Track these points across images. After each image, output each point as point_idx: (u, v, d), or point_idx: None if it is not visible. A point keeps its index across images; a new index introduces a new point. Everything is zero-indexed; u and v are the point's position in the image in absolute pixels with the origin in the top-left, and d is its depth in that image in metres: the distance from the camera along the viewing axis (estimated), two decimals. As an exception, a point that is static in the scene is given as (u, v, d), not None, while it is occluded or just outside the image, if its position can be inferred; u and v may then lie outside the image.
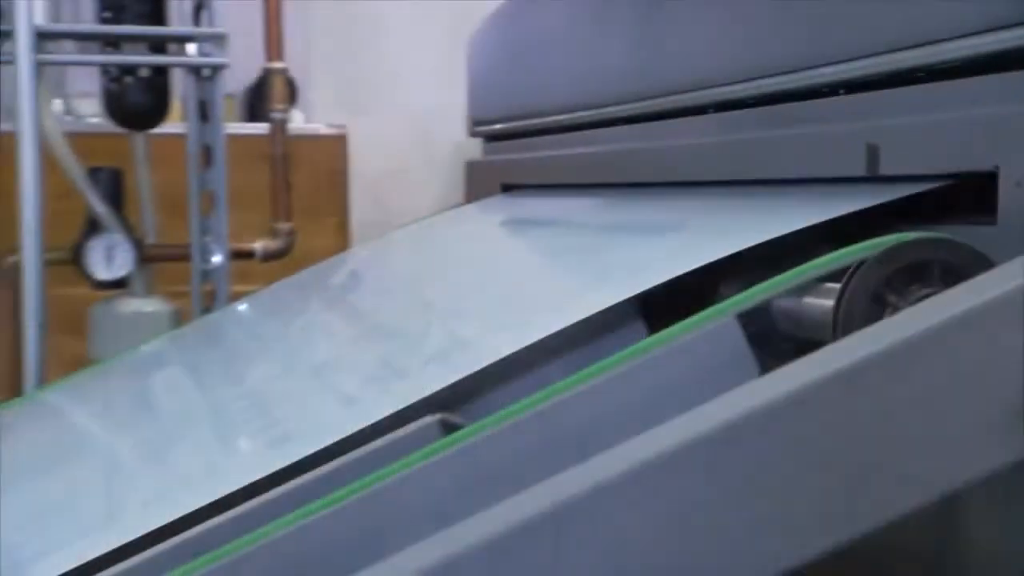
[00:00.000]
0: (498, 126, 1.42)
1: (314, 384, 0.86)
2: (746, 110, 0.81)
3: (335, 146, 2.21)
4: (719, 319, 0.52)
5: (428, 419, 0.60)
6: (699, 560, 0.47)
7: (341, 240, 2.17)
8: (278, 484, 0.64)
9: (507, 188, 1.35)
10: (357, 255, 1.31)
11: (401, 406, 0.63)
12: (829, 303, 0.51)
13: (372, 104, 2.46)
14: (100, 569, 0.66)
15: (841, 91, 0.68)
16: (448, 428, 0.59)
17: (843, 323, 0.51)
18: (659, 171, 0.96)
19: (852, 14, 0.67)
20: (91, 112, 1.85)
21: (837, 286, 0.51)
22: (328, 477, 0.62)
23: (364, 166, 2.29)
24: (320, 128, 2.07)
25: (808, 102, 0.72)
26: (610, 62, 1.04)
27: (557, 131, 1.22)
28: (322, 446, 0.66)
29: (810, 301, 0.53)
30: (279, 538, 0.56)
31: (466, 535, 0.46)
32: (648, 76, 0.97)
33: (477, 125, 1.50)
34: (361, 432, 0.65)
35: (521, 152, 1.35)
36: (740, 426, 0.46)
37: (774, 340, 0.54)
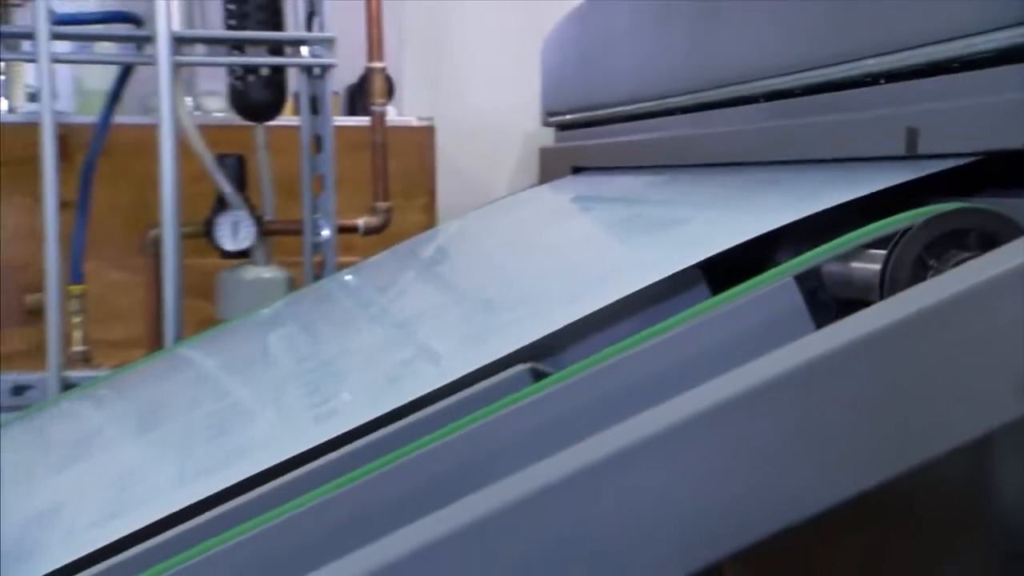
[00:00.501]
0: (568, 116, 1.42)
1: (410, 342, 0.85)
2: (794, 99, 0.80)
3: (424, 136, 2.22)
4: (778, 280, 0.51)
5: (519, 368, 0.60)
6: (759, 493, 0.47)
7: (429, 218, 2.19)
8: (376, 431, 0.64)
9: (576, 170, 1.34)
10: (447, 230, 1.31)
11: (494, 358, 0.62)
12: (876, 267, 0.51)
13: (455, 99, 2.47)
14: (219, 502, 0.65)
15: (881, 80, 0.67)
16: (537, 376, 0.58)
17: (889, 284, 0.50)
18: (714, 154, 0.96)
19: (890, 11, 0.66)
20: (216, 108, 1.87)
21: (883, 252, 0.51)
22: (425, 422, 0.62)
23: (449, 153, 2.30)
24: (411, 120, 2.07)
25: (851, 91, 0.71)
26: (669, 58, 1.04)
27: (621, 120, 1.22)
28: (419, 395, 0.65)
29: (858, 266, 0.53)
30: (376, 478, 0.56)
31: (554, 470, 0.46)
32: (703, 70, 0.96)
33: (550, 116, 1.49)
34: (457, 382, 0.64)
35: (589, 139, 1.35)
36: (798, 374, 0.46)
37: (826, 301, 0.54)
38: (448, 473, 0.54)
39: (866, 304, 0.49)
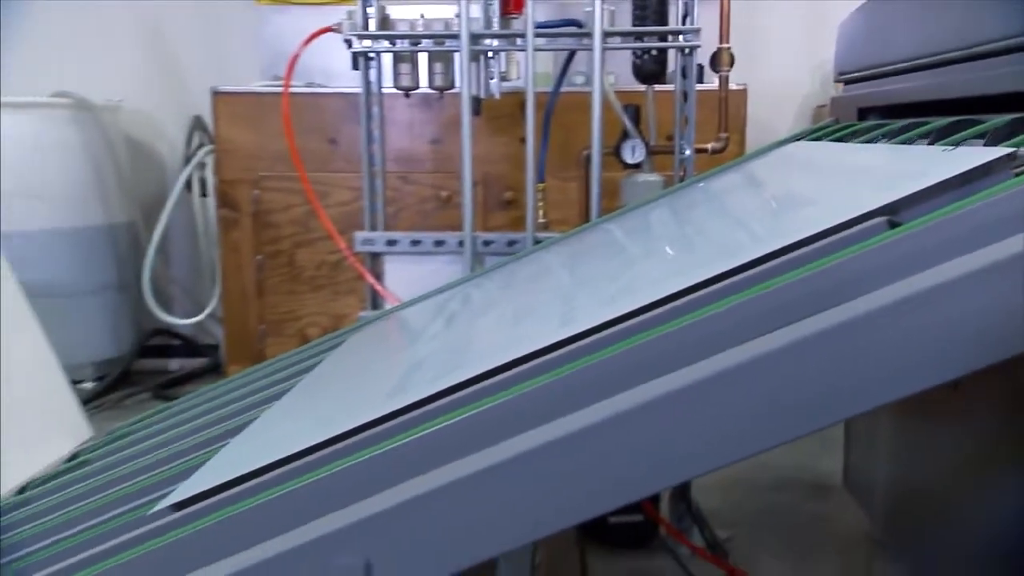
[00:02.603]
0: (855, 74, 1.30)
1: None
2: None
3: (740, 96, 2.12)
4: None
5: (877, 220, 0.51)
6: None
7: (741, 150, 2.13)
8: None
9: (862, 111, 1.23)
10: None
11: (856, 214, 0.53)
12: None
13: (758, 71, 2.36)
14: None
15: None
16: (892, 225, 0.51)
17: None
18: (960, 90, 0.85)
19: None
20: (610, 82, 1.85)
21: None
22: (804, 256, 0.54)
23: (752, 107, 2.20)
24: (732, 85, 1.96)
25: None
26: (932, 26, 0.93)
27: (894, 74, 1.10)
28: (781, 246, 0.56)
29: None
30: (775, 290, 0.50)
31: (934, 277, 0.42)
32: (955, 35, 0.85)
33: (840, 75, 1.37)
34: (827, 230, 0.54)
35: (869, 89, 1.23)
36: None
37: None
38: (849, 277, 0.49)
39: None
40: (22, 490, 1.03)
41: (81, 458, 1.09)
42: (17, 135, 2.14)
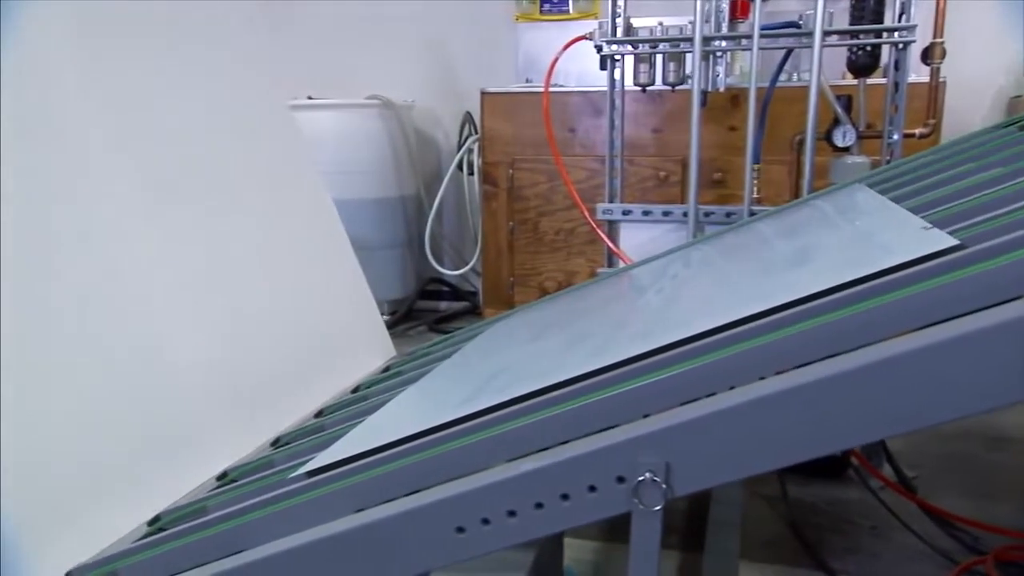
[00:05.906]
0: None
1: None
2: None
3: (941, 88, 1.91)
4: None
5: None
6: None
7: (938, 135, 1.92)
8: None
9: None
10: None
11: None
12: None
13: (954, 66, 2.13)
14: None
15: None
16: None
17: None
18: None
19: None
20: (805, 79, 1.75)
21: None
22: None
23: (949, 97, 1.99)
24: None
25: None
26: None
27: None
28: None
29: None
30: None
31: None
32: None
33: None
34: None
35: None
36: None
37: None
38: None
39: None
40: (356, 389, 1.15)
41: (394, 370, 1.23)
42: (340, 128, 2.40)
